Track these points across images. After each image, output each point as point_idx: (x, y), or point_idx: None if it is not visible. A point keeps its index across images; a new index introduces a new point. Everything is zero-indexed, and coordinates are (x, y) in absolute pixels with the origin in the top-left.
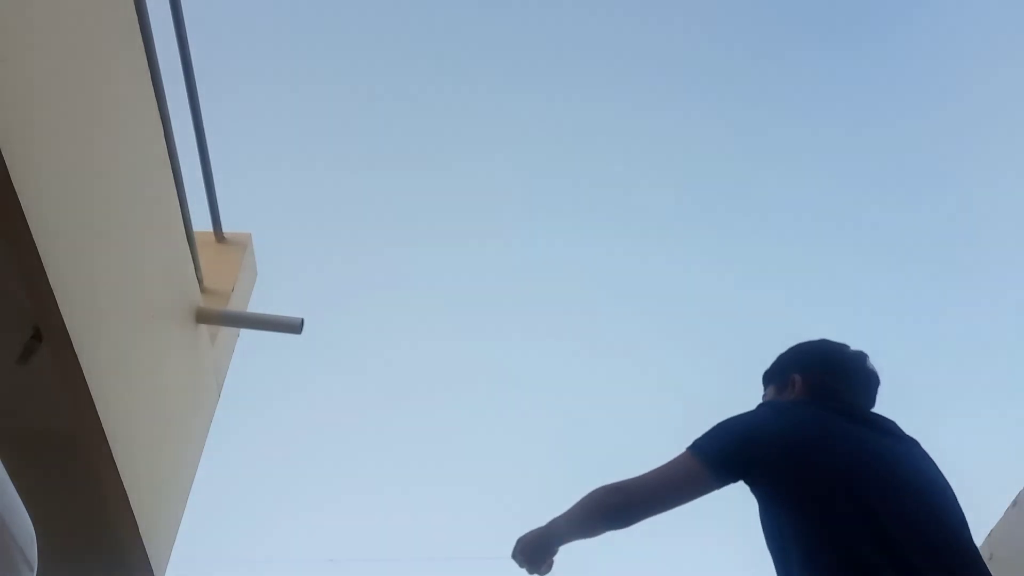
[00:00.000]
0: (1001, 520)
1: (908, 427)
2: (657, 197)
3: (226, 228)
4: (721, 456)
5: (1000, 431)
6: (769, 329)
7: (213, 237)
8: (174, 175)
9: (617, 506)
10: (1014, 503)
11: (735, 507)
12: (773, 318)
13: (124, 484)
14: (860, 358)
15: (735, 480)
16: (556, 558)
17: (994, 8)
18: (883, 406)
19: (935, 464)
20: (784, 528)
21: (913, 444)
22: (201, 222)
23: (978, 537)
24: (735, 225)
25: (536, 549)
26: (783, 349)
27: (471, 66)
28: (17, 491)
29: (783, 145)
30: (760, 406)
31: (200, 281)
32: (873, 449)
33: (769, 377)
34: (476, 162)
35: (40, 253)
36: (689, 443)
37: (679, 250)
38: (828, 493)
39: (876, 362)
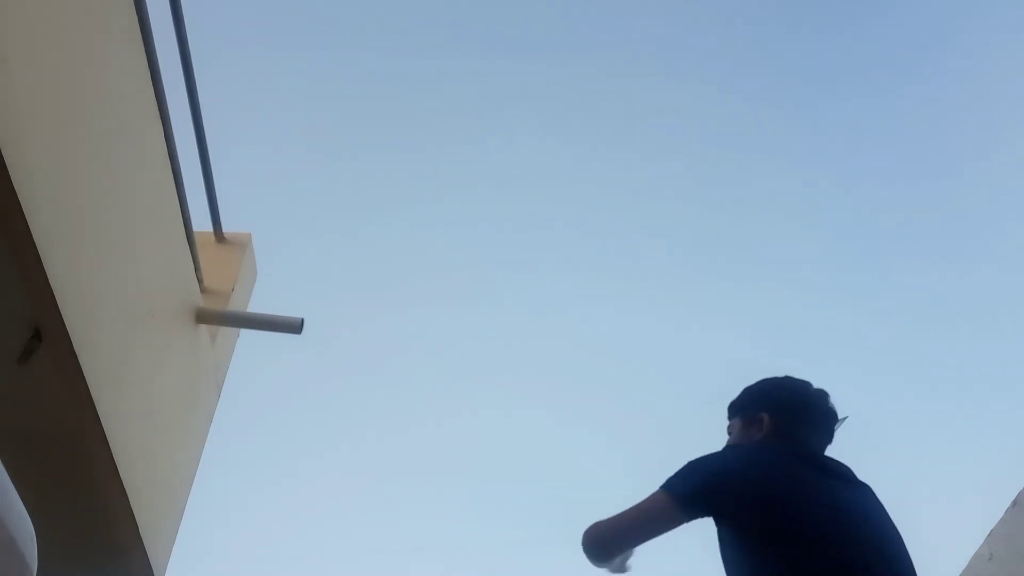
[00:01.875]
0: (1001, 520)
1: (907, 428)
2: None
3: (226, 228)
4: (691, 494)
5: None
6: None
7: (213, 237)
8: (174, 175)
9: (595, 538)
10: (1014, 503)
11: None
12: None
13: (124, 484)
14: (822, 397)
15: (703, 516)
16: None
17: None
18: (884, 408)
19: (886, 510)
20: (745, 564)
21: (867, 490)
22: (201, 222)
23: (978, 537)
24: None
25: None
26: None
27: (475, 66)
28: (17, 491)
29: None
30: (727, 448)
31: (200, 281)
32: (831, 495)
33: (736, 409)
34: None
35: (40, 253)
36: (662, 482)
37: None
38: (790, 534)
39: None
